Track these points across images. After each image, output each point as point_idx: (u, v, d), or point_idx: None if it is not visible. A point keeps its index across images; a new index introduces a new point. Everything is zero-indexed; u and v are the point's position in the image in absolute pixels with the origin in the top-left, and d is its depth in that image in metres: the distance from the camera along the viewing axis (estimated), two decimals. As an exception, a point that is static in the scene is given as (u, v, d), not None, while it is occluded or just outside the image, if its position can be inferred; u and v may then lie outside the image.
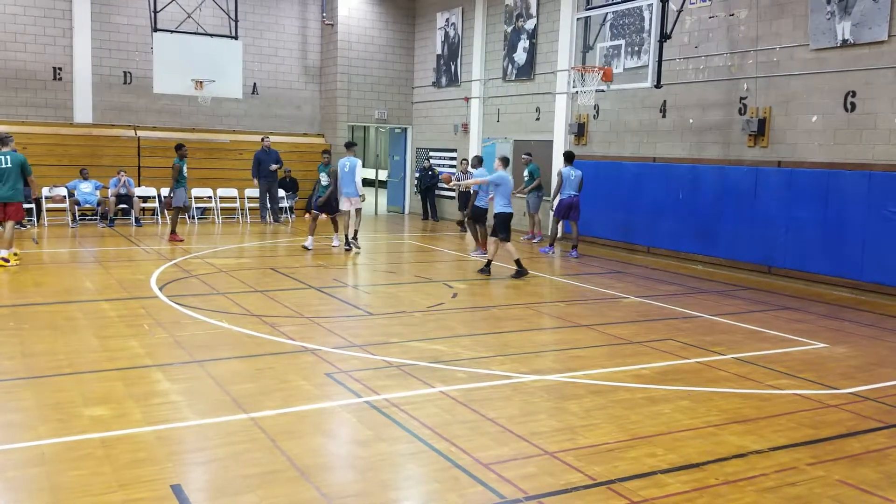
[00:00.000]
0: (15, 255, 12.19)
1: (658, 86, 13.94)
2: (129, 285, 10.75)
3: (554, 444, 5.36)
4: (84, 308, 9.28)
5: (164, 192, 18.18)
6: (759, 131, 13.47)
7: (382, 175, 25.99)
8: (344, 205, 14.80)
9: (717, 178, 14.25)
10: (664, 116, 15.54)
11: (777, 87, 13.29)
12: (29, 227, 16.95)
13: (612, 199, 16.50)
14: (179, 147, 15.62)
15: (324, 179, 14.78)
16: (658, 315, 9.99)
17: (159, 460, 4.90)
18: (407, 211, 24.23)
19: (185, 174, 15.54)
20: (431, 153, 22.84)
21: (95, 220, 18.31)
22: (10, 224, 12.09)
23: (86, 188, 18.12)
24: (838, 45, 12.26)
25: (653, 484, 4.77)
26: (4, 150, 12.05)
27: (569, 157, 15.17)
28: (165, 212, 17.67)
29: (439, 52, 22.51)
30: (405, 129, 24.29)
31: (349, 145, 15.25)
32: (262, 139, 19.84)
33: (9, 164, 11.90)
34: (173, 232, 15.50)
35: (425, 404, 6.10)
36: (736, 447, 5.42)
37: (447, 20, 22.11)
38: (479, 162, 14.94)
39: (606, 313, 10.00)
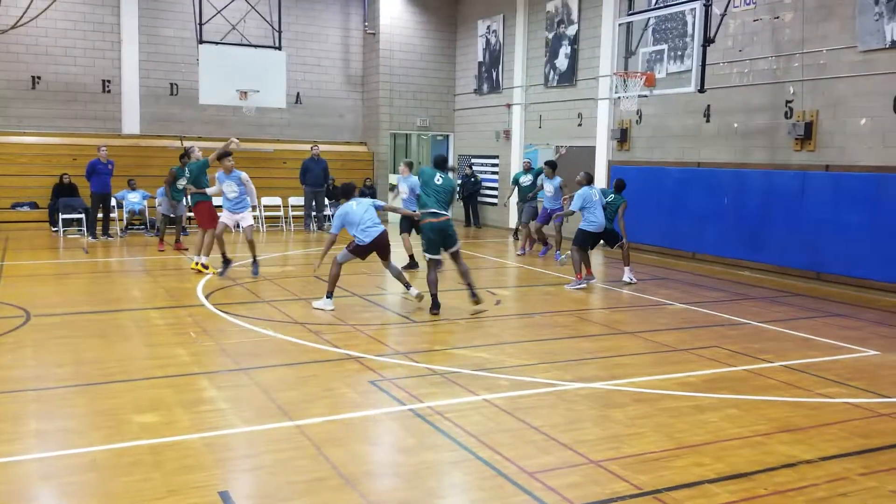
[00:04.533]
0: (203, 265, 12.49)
1: (702, 90, 13.77)
2: (177, 294, 10.91)
3: (599, 452, 5.32)
4: (133, 316, 9.45)
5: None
6: (806, 135, 13.26)
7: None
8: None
9: (764, 182, 14.05)
10: (708, 121, 15.37)
11: (824, 89, 13.07)
12: (79, 235, 17.31)
13: (657, 205, 16.35)
14: (183, 156, 15.54)
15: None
16: (704, 322, 9.88)
17: (207, 467, 4.97)
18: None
19: (179, 186, 15.26)
20: (474, 160, 22.85)
21: (143, 229, 18.63)
22: (206, 232, 12.55)
23: (134, 198, 18.45)
24: (887, 46, 12.02)
25: (700, 494, 4.71)
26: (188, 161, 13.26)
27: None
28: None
29: (481, 59, 22.54)
30: (447, 136, 24.34)
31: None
32: (311, 147, 20.05)
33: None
34: (177, 241, 15.87)
35: (469, 412, 6.09)
36: (785, 456, 5.33)
37: (488, 27, 22.13)
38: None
39: (651, 320, 9.90)
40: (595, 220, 12.02)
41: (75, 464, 5.00)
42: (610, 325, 9.69)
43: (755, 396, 6.72)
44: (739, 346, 8.51)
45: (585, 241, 12.14)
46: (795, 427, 5.95)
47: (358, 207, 9.93)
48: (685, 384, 7.03)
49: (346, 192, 10.38)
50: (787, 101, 13.69)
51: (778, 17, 13.77)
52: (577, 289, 11.89)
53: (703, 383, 7.08)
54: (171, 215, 15.99)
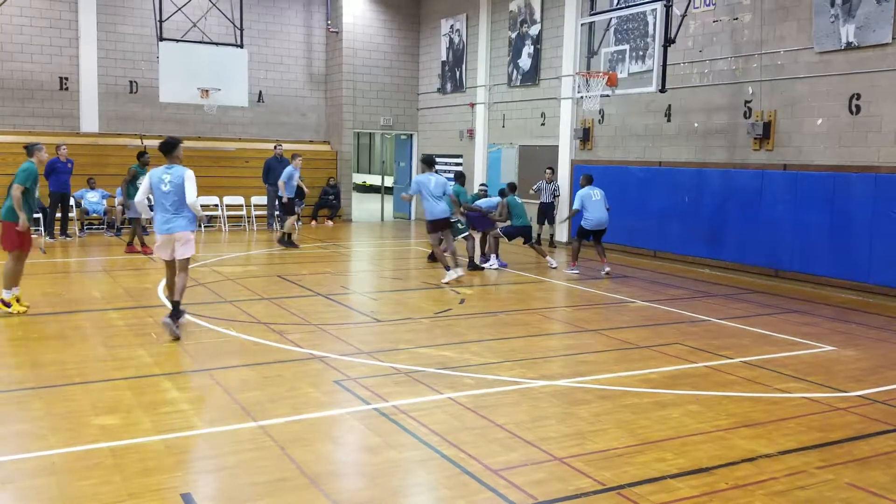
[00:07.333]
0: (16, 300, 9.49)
1: (663, 90, 13.91)
2: (137, 294, 10.78)
3: (563, 449, 5.36)
4: (92, 317, 9.31)
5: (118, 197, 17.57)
6: (765, 135, 13.45)
7: (388, 181, 26.03)
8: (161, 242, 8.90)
9: (723, 181, 14.24)
10: (669, 121, 15.53)
11: (782, 90, 13.27)
12: (36, 235, 16.99)
13: (618, 204, 16.40)
14: (141, 154, 15.49)
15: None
16: (665, 319, 9.99)
17: (169, 469, 4.92)
18: (413, 217, 24.25)
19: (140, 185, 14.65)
20: (438, 160, 22.82)
21: (102, 228, 18.37)
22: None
23: (92, 197, 18.18)
24: (842, 47, 12.24)
25: (662, 489, 4.76)
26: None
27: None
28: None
29: (444, 58, 22.55)
30: (411, 135, 24.32)
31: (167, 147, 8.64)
32: (275, 146, 19.98)
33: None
34: (130, 244, 14.98)
35: (434, 411, 6.10)
36: (745, 451, 5.41)
37: (451, 27, 22.15)
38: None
39: (614, 318, 9.99)
40: (591, 217, 13.64)
41: (33, 467, 4.92)
42: (573, 322, 9.76)
43: (716, 392, 6.81)
44: (700, 343, 8.62)
45: (583, 234, 13.94)
46: (755, 422, 6.04)
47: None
48: (647, 381, 7.10)
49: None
50: (746, 101, 13.88)
51: (737, 19, 13.95)
52: (573, 272, 13.73)
53: (664, 380, 7.16)
54: (136, 216, 15.50)
